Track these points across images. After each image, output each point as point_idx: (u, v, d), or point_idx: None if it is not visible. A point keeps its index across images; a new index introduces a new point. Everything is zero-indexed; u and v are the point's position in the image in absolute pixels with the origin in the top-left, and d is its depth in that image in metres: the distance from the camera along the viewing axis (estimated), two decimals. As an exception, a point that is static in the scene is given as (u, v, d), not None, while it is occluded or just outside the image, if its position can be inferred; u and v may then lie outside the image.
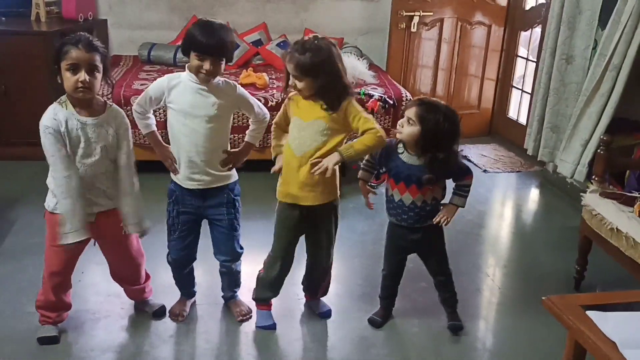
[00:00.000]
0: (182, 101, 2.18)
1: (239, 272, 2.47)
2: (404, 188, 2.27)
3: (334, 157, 2.15)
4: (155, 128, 2.31)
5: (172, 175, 2.30)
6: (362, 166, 2.42)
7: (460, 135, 2.22)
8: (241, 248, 2.42)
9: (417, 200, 2.27)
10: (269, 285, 2.42)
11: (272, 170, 2.29)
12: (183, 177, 2.25)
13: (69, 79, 1.99)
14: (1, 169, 3.77)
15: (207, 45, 2.09)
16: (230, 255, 2.39)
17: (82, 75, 1.98)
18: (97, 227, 2.18)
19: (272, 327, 2.44)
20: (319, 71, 2.09)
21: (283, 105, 2.30)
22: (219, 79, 2.22)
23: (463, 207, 2.33)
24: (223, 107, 2.21)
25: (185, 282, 2.49)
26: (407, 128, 2.20)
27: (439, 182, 2.30)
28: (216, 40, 2.09)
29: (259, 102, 2.37)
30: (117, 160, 2.16)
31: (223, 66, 2.17)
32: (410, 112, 2.19)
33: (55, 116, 2.02)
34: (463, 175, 2.31)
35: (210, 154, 2.23)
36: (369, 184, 3.87)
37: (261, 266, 2.42)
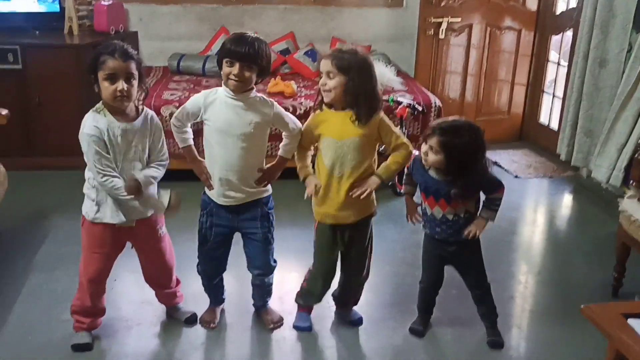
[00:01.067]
0: (218, 119, 2.17)
1: (271, 284, 2.47)
2: (433, 202, 2.25)
3: (375, 182, 2.21)
4: (192, 142, 2.29)
5: (206, 190, 2.30)
6: (404, 181, 2.41)
7: (486, 150, 2.17)
8: (275, 262, 2.40)
9: (448, 214, 2.24)
10: (313, 297, 2.44)
11: (306, 195, 2.25)
12: (217, 194, 2.24)
13: (107, 88, 2.02)
14: (35, 179, 3.84)
15: (235, 50, 2.09)
16: (264, 269, 2.38)
17: (121, 85, 2.01)
18: (135, 232, 2.21)
19: (308, 329, 2.45)
20: (354, 70, 2.08)
21: (307, 124, 2.27)
22: (255, 95, 2.19)
23: (493, 221, 2.27)
24: (259, 125, 2.19)
25: (215, 290, 2.50)
26: (431, 156, 2.16)
27: (471, 195, 2.25)
28: (246, 47, 2.09)
29: (293, 117, 2.30)
30: (149, 156, 2.19)
31: (254, 75, 2.14)
32: (433, 142, 2.15)
33: (97, 124, 2.04)
34: (494, 189, 2.25)
35: (245, 172, 2.21)
36: (399, 191, 3.87)
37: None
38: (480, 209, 2.29)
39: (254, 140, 2.20)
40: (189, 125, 2.28)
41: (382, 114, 2.20)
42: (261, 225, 2.30)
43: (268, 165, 2.30)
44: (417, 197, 2.40)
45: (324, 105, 2.21)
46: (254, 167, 2.24)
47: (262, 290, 2.47)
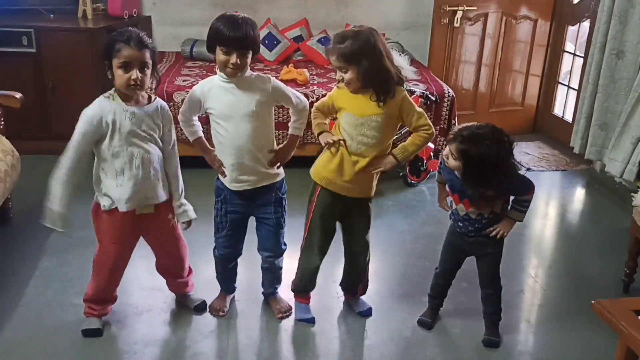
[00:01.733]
0: (219, 104, 2.17)
1: (280, 268, 2.48)
2: (458, 199, 2.24)
3: (391, 162, 2.21)
4: (201, 134, 2.30)
5: (219, 176, 2.30)
6: (440, 168, 2.36)
7: (511, 156, 2.11)
8: (285, 245, 2.42)
9: (472, 213, 2.23)
10: (309, 274, 2.42)
11: (330, 142, 2.17)
12: (230, 180, 2.24)
13: (121, 76, 2.02)
14: (48, 163, 3.84)
15: (232, 38, 2.06)
16: (274, 251, 2.40)
17: (135, 74, 2.01)
18: (152, 218, 2.22)
19: (312, 320, 2.45)
20: (361, 55, 2.05)
21: (329, 95, 2.26)
22: (250, 73, 2.19)
23: (521, 221, 2.25)
24: (261, 102, 2.18)
25: (228, 276, 2.51)
26: (452, 161, 2.13)
27: (493, 200, 2.20)
28: (242, 33, 2.06)
29: (295, 92, 2.32)
30: (163, 151, 2.20)
31: (249, 59, 2.13)
32: (453, 147, 2.10)
33: (101, 108, 2.05)
34: (524, 192, 2.20)
35: (256, 152, 2.21)
36: (410, 181, 3.85)
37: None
38: (509, 209, 2.25)
39: (260, 119, 2.19)
40: (195, 118, 2.29)
41: (404, 93, 2.18)
42: (274, 211, 2.32)
43: (279, 146, 2.31)
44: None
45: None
46: (264, 147, 2.24)
47: (271, 275, 2.48)
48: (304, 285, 2.46)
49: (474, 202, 2.20)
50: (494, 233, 2.23)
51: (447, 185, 2.30)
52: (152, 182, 2.16)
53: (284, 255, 2.46)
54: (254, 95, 2.17)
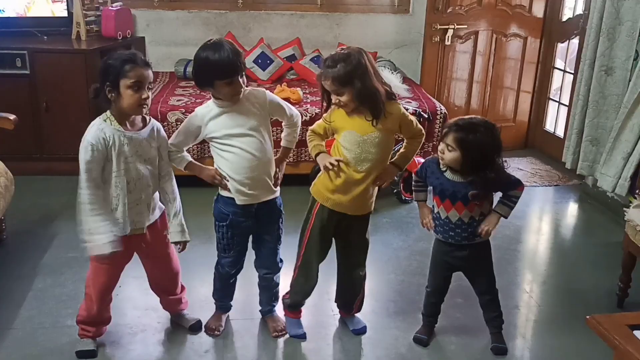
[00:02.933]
0: (222, 126, 2.18)
1: (277, 285, 2.48)
2: (449, 205, 2.24)
3: (394, 170, 2.30)
4: (190, 158, 2.30)
5: (222, 192, 2.27)
6: (414, 188, 2.41)
7: (502, 147, 2.18)
8: (281, 261, 2.43)
9: (464, 217, 2.24)
10: (305, 292, 2.42)
11: (328, 166, 2.18)
12: (238, 194, 2.23)
13: (131, 97, 2.01)
14: (42, 184, 3.86)
15: (232, 67, 2.07)
16: (272, 268, 2.41)
17: (146, 93, 2.03)
18: (145, 238, 2.22)
19: (303, 336, 2.45)
20: (354, 77, 2.08)
21: (324, 117, 2.26)
22: (245, 88, 2.21)
23: (506, 217, 2.28)
24: (260, 116, 2.22)
25: (227, 292, 2.50)
26: (447, 154, 2.17)
27: (487, 197, 2.26)
28: (235, 58, 2.08)
29: (288, 104, 2.35)
30: (159, 171, 2.20)
31: (244, 76, 2.17)
32: (449, 139, 2.15)
33: (102, 133, 2.04)
34: (513, 187, 2.25)
35: (266, 165, 2.24)
36: (404, 198, 3.86)
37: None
38: (495, 204, 2.28)
39: (262, 132, 2.22)
40: (185, 150, 2.29)
41: (402, 108, 2.24)
42: (277, 228, 2.35)
43: (275, 157, 2.34)
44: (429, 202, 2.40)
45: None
46: (270, 159, 2.26)
47: (269, 293, 2.48)
48: (298, 302, 2.46)
49: (467, 202, 2.21)
50: (479, 231, 2.24)
51: (435, 193, 2.30)
52: (143, 206, 2.16)
53: (280, 273, 2.45)
54: (252, 109, 2.20)
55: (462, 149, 2.13)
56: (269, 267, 2.40)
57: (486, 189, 2.21)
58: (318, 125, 2.29)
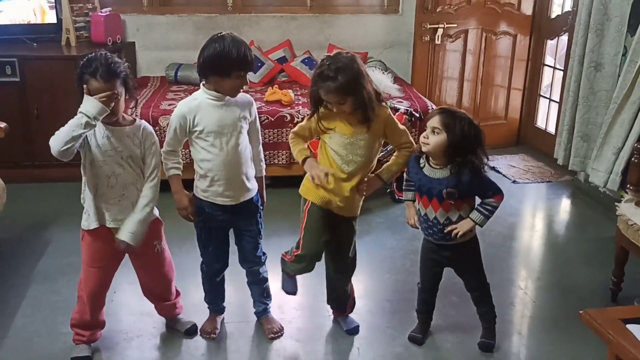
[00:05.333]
0: (209, 121, 2.18)
1: (266, 280, 2.48)
2: (427, 202, 2.25)
3: (377, 183, 2.29)
4: (180, 173, 2.27)
5: (199, 193, 2.28)
6: (404, 187, 2.40)
7: (483, 144, 2.18)
8: (264, 253, 2.45)
9: (440, 216, 2.23)
10: (299, 270, 2.36)
11: (323, 179, 2.15)
12: (215, 195, 2.25)
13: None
14: (34, 191, 3.84)
15: (251, 61, 2.15)
16: (256, 260, 2.42)
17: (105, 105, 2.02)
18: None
19: (293, 293, 2.42)
20: (356, 85, 2.09)
21: (309, 119, 2.26)
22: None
23: (481, 226, 2.21)
24: (246, 119, 2.25)
25: (216, 293, 2.50)
26: (432, 138, 2.16)
27: (465, 199, 2.22)
28: (249, 51, 2.15)
29: (260, 139, 2.40)
30: (144, 172, 2.19)
31: None
32: (435, 122, 2.16)
33: None
34: (491, 194, 2.21)
35: (245, 167, 2.26)
36: (397, 197, 3.87)
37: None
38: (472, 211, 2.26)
39: (245, 135, 2.25)
40: (179, 149, 2.28)
41: (389, 111, 2.24)
42: (255, 222, 2.37)
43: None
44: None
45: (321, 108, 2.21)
46: (248, 160, 2.29)
47: (258, 288, 2.48)
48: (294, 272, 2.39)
49: (442, 200, 2.20)
50: (448, 229, 2.21)
51: (414, 188, 2.29)
52: (126, 203, 2.16)
53: (271, 274, 2.46)
54: (241, 111, 2.22)
55: (448, 131, 2.13)
56: (252, 260, 2.41)
57: (460, 187, 2.17)
58: (301, 127, 2.28)
